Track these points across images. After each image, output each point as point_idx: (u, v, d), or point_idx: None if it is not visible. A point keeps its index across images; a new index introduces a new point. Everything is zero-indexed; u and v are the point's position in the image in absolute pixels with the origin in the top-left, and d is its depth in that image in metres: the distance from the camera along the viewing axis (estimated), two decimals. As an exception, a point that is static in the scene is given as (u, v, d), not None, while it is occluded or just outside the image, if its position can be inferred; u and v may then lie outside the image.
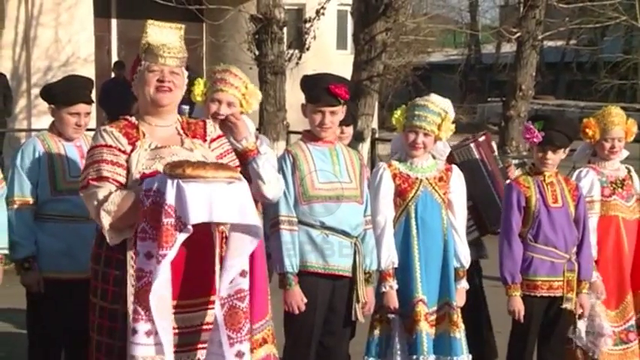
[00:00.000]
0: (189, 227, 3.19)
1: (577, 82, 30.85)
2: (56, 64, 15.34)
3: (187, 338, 3.43)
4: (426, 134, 4.63)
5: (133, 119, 3.59)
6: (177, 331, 3.38)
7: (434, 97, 5.22)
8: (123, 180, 3.42)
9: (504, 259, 4.80)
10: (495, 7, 34.28)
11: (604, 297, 5.02)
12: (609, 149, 5.12)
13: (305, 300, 4.41)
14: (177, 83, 3.56)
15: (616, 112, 5.15)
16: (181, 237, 3.20)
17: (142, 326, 3.23)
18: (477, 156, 5.20)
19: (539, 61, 15.06)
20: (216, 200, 3.19)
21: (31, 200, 4.58)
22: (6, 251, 4.50)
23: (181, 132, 3.60)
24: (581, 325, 4.96)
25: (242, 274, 3.34)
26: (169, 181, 3.20)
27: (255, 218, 3.31)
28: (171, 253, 3.18)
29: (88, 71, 14.30)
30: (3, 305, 7.13)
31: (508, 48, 25.84)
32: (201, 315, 3.44)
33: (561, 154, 4.88)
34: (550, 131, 4.78)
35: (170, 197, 3.18)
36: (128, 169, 3.44)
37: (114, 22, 18.19)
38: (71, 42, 15.63)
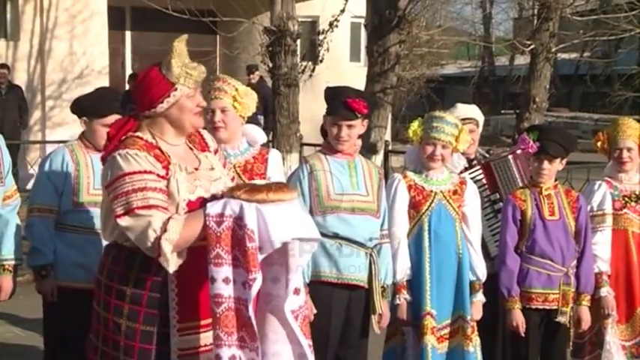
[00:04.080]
0: (268, 250, 3.24)
1: (591, 95, 30.77)
2: (71, 77, 15.43)
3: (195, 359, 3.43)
4: (444, 146, 4.62)
5: (149, 138, 3.47)
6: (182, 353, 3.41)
7: (460, 107, 5.22)
8: (167, 206, 3.35)
9: (500, 274, 4.80)
10: (509, 20, 34.34)
11: (615, 315, 4.99)
12: (617, 159, 5.11)
13: (315, 311, 4.41)
14: (202, 105, 3.61)
15: (626, 123, 5.15)
16: (261, 258, 3.26)
17: (226, 352, 3.25)
18: (514, 168, 5.19)
19: (553, 73, 14.98)
20: (290, 219, 3.27)
21: (53, 209, 4.60)
22: (19, 262, 4.52)
23: (190, 145, 3.58)
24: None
25: (304, 285, 3.54)
26: (247, 206, 3.23)
27: (316, 230, 3.42)
28: (259, 275, 3.22)
29: (103, 83, 14.36)
30: (20, 316, 7.16)
31: (522, 60, 25.80)
32: (207, 336, 3.43)
33: (558, 164, 4.86)
34: (545, 141, 4.77)
35: (251, 222, 3.20)
36: (168, 195, 3.38)
37: (128, 34, 18.29)
38: (86, 54, 15.72)
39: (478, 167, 5.18)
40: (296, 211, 3.31)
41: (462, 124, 4.92)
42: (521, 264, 4.82)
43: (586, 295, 4.89)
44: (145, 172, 3.34)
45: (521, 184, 5.07)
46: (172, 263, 3.28)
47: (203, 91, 4.27)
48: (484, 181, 5.14)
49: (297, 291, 3.34)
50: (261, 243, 3.21)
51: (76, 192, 4.59)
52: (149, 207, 3.28)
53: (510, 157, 5.24)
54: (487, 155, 5.44)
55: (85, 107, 4.72)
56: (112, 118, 4.65)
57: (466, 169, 5.10)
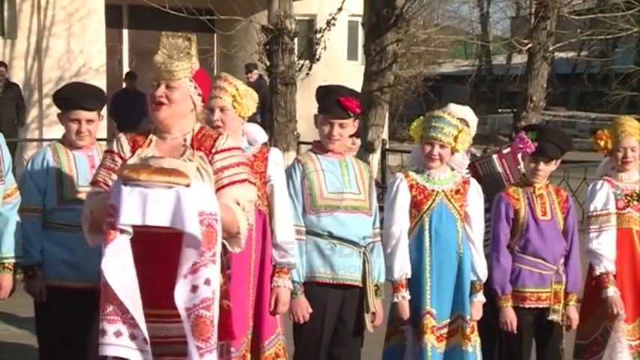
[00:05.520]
0: (128, 229, 3.22)
1: (588, 94, 30.77)
2: (68, 75, 15.42)
3: (164, 348, 3.38)
4: (442, 146, 4.61)
5: (151, 128, 3.59)
6: (153, 340, 3.34)
7: (453, 107, 5.20)
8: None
9: (493, 272, 4.78)
10: (506, 19, 34.32)
11: (623, 314, 4.98)
12: (621, 159, 5.10)
13: (310, 310, 4.41)
14: (173, 97, 3.49)
15: (628, 122, 5.13)
16: (122, 238, 3.24)
17: (108, 327, 3.27)
18: (500, 168, 5.17)
19: (550, 72, 15.01)
20: (150, 203, 3.19)
21: (38, 208, 4.58)
22: (20, 260, 4.51)
23: (188, 144, 3.54)
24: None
25: (206, 282, 3.28)
26: (117, 183, 3.28)
27: (192, 226, 3.21)
28: (108, 249, 3.22)
29: (100, 82, 14.37)
30: (17, 314, 7.15)
31: (519, 59, 25.82)
32: (177, 327, 3.36)
33: (553, 165, 4.87)
34: (543, 142, 4.77)
35: (114, 198, 3.25)
36: None
37: (125, 32, 18.28)
38: (83, 52, 15.72)
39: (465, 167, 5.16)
40: (163, 198, 3.20)
41: None
42: (513, 263, 4.83)
43: (574, 295, 4.89)
44: (110, 152, 3.60)
45: (506, 184, 5.07)
46: (87, 237, 3.45)
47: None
48: None
49: (194, 288, 3.26)
50: (117, 220, 3.22)
51: (59, 190, 4.58)
52: (94, 183, 3.55)
53: (495, 156, 5.22)
54: (477, 155, 5.43)
55: (58, 100, 4.69)
56: (78, 114, 4.60)
57: (453, 168, 5.10)
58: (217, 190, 3.45)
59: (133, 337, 3.27)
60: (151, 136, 3.56)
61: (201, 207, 3.25)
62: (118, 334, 3.25)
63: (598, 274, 4.97)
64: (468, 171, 5.11)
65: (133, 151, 3.52)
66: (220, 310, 3.37)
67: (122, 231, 3.22)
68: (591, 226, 5.02)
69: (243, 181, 3.51)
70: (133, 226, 3.23)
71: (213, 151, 3.53)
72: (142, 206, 3.19)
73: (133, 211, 3.19)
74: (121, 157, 3.53)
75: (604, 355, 5.00)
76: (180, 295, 3.25)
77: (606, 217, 5.04)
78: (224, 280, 3.45)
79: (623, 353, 4.94)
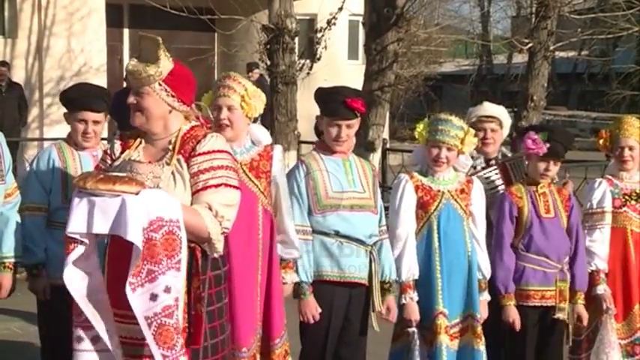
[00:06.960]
0: (82, 238, 3.27)
1: (589, 93, 30.76)
2: (69, 74, 15.43)
3: (131, 350, 3.38)
4: (449, 149, 4.61)
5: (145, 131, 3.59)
6: (124, 340, 3.40)
7: (487, 105, 5.20)
8: None
9: (496, 270, 4.79)
10: (507, 18, 34.30)
11: (613, 310, 5.00)
12: (619, 158, 5.12)
13: (319, 310, 4.41)
14: (143, 105, 3.47)
15: (629, 121, 5.15)
16: (80, 248, 3.29)
17: (80, 333, 3.40)
18: None
19: (550, 71, 15.03)
20: (97, 212, 3.21)
21: (43, 207, 4.60)
22: (20, 259, 4.51)
23: (170, 147, 3.50)
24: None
25: (166, 290, 3.24)
26: (74, 192, 3.33)
27: (132, 234, 3.19)
28: (68, 260, 3.28)
29: (101, 81, 14.38)
30: (18, 313, 7.16)
31: (520, 58, 25.81)
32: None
33: (559, 164, 4.88)
34: (553, 142, 4.77)
35: (70, 206, 3.32)
36: None
37: (126, 32, 18.29)
38: (84, 52, 15.72)
39: (495, 167, 5.16)
40: (107, 206, 3.21)
41: (484, 121, 4.97)
42: (517, 262, 4.83)
43: (581, 293, 4.90)
44: (105, 152, 3.69)
45: None
46: None
47: (213, 87, 4.30)
48: (497, 182, 5.10)
49: (154, 297, 3.23)
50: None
51: (64, 189, 4.60)
52: None
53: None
54: (508, 155, 5.42)
55: (65, 100, 4.72)
56: (86, 115, 4.62)
57: (483, 168, 5.09)
58: (193, 194, 3.42)
59: (96, 340, 3.36)
60: (139, 138, 3.57)
61: (159, 213, 3.23)
62: (94, 340, 3.35)
63: (589, 271, 4.98)
64: (497, 172, 5.10)
65: (122, 153, 3.56)
66: (194, 315, 3.38)
67: (81, 241, 3.27)
68: (585, 224, 5.03)
69: (219, 185, 3.43)
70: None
71: (193, 154, 3.47)
72: (89, 215, 3.22)
73: (80, 220, 3.22)
74: (111, 157, 3.58)
75: (592, 351, 5.02)
76: (138, 303, 3.22)
77: (600, 215, 5.06)
78: (198, 285, 3.40)
79: (610, 348, 4.95)
